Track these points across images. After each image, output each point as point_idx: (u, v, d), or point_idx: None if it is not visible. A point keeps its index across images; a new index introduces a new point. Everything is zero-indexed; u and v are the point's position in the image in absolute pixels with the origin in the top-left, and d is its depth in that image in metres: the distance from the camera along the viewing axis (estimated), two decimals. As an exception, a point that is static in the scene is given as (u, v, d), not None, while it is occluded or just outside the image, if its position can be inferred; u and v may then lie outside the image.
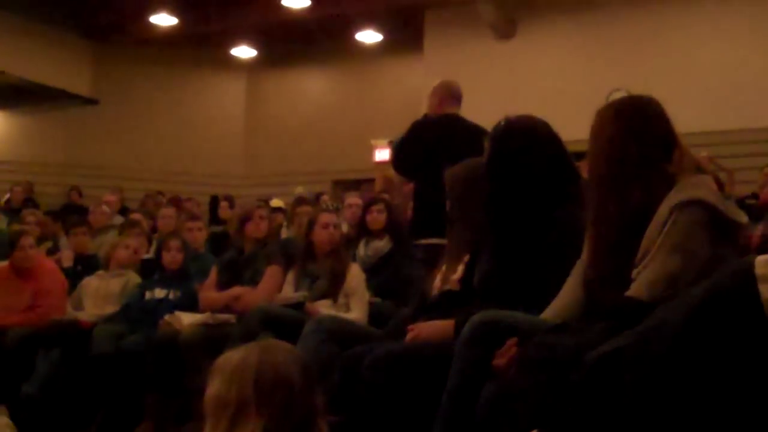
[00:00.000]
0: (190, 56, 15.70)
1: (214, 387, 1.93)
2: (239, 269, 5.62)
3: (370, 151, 12.67)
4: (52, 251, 7.54)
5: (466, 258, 3.57)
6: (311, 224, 5.23)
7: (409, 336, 3.29)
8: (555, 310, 2.78)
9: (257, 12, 13.89)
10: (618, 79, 10.42)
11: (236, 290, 5.46)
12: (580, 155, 3.18)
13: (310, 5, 13.35)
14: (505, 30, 12.89)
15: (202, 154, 15.77)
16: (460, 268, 3.59)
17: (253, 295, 5.32)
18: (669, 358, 1.85)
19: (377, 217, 5.75)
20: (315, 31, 14.17)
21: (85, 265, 6.75)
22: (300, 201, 8.05)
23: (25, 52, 14.06)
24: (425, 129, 5.57)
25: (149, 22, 14.29)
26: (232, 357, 1.96)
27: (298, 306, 4.84)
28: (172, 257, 5.74)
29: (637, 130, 2.58)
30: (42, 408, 5.33)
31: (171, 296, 5.61)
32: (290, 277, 5.22)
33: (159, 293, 5.65)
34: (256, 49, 15.82)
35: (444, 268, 3.73)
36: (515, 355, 2.48)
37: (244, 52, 15.90)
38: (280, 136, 15.86)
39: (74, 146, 15.33)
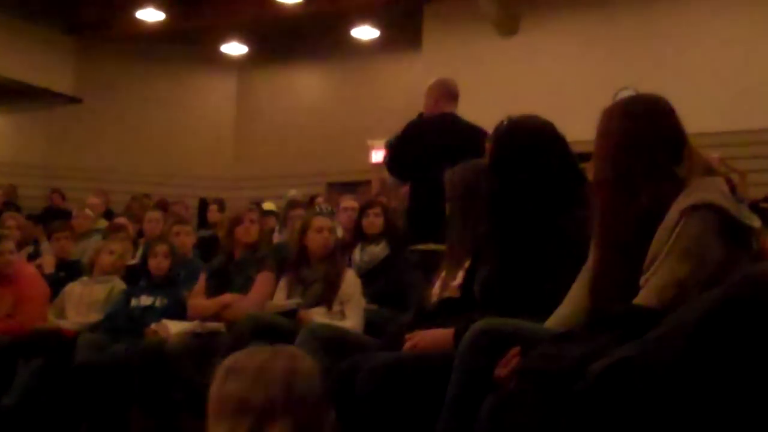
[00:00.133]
0: (177, 53, 15.70)
1: (231, 387, 1.89)
2: (229, 275, 5.62)
3: (367, 151, 12.72)
4: (33, 256, 7.54)
5: (467, 264, 3.57)
6: (305, 228, 5.23)
7: (407, 345, 3.29)
8: (559, 318, 2.78)
9: (248, 6, 13.90)
10: (626, 77, 10.44)
11: (226, 297, 5.45)
12: (585, 156, 3.18)
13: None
14: (508, 25, 12.91)
15: (191, 154, 15.78)
16: (460, 274, 3.59)
17: (243, 303, 5.31)
18: (679, 368, 1.85)
19: (374, 221, 5.75)
20: (309, 26, 14.19)
21: (68, 271, 6.74)
22: (293, 204, 8.03)
23: (4, 49, 14.07)
24: (420, 129, 5.56)
25: (135, 18, 14.31)
26: (252, 357, 1.93)
27: (291, 314, 4.84)
28: (158, 263, 5.74)
29: (646, 131, 2.58)
30: (22, 420, 5.32)
31: (158, 304, 5.61)
32: (282, 283, 5.22)
33: (145, 301, 5.64)
34: (247, 45, 15.83)
35: (443, 274, 3.73)
36: (517, 366, 2.48)
37: (234, 48, 15.91)
38: (272, 137, 15.88)
39: (56, 147, 15.33)
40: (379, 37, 14.78)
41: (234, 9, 14.03)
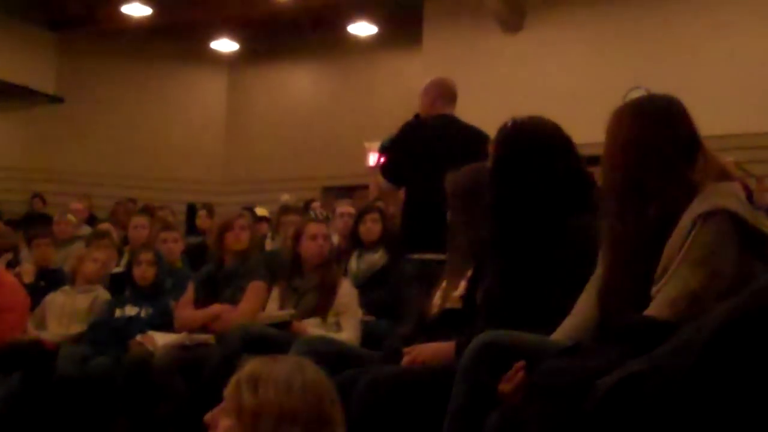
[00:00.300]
0: (165, 50, 15.72)
1: (268, 397, 1.94)
2: (219, 285, 5.61)
3: (364, 154, 12.66)
4: (13, 264, 7.52)
5: (469, 273, 3.58)
6: (298, 235, 5.23)
7: (406, 359, 3.29)
8: (567, 330, 2.78)
9: (240, 1, 13.90)
10: (636, 76, 10.47)
11: (215, 308, 5.45)
12: (594, 160, 3.18)
13: (298, -6, 13.41)
14: (512, 22, 12.92)
15: (179, 157, 15.78)
16: (462, 284, 3.59)
17: (233, 314, 5.31)
18: (693, 384, 1.85)
19: (371, 228, 5.76)
20: (303, 22, 14.21)
21: (49, 279, 6.73)
22: (286, 209, 8.05)
23: (-18, 45, 14.10)
24: (417, 131, 5.55)
25: (120, 12, 14.31)
26: (280, 366, 1.99)
27: (284, 325, 4.84)
28: (143, 271, 5.75)
29: (658, 133, 2.58)
30: (0, 437, 5.32)
31: (143, 314, 5.61)
32: (275, 293, 5.22)
33: (130, 311, 5.65)
34: (238, 42, 15.85)
35: (444, 284, 3.73)
36: (522, 381, 2.48)
37: (224, 45, 15.93)
38: (264, 138, 15.88)
39: (37, 149, 15.33)
40: (377, 34, 14.81)
41: (224, 3, 14.04)
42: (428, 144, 5.37)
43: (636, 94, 3.00)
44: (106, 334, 5.58)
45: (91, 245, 7.00)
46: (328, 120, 15.21)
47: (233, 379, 1.98)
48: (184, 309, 5.59)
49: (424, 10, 13.62)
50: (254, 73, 16.35)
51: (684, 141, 2.59)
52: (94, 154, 15.40)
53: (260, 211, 10.71)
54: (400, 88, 13.78)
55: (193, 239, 9.33)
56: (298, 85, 16.16)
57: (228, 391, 1.98)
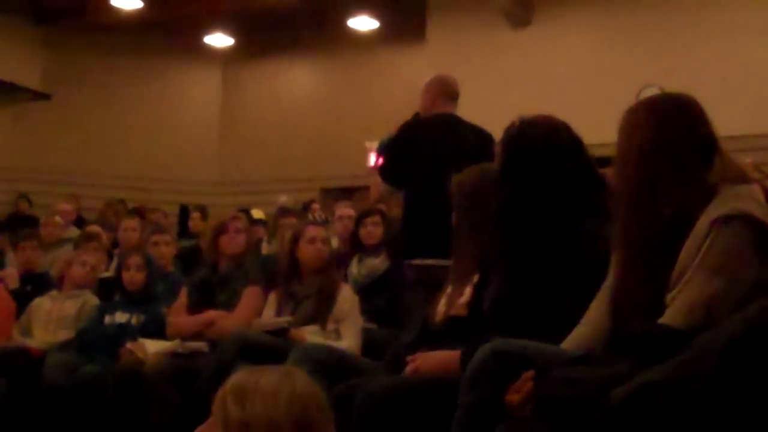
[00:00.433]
0: (157, 45, 15.72)
1: (256, 411, 1.95)
2: (213, 290, 5.61)
3: (364, 154, 12.65)
4: (-3, 268, 7.54)
5: (475, 279, 3.58)
6: (296, 238, 5.23)
7: (408, 368, 3.30)
8: (577, 339, 2.78)
9: (235, -6, 13.93)
10: (650, 73, 10.47)
11: (209, 314, 5.44)
12: (605, 161, 3.19)
13: (296, -13, 13.42)
14: (521, 16, 12.92)
15: (171, 156, 15.77)
16: (468, 291, 3.59)
17: (228, 320, 5.31)
18: (708, 395, 1.86)
19: (372, 231, 5.76)
20: (301, 16, 14.21)
21: (35, 284, 6.74)
22: (283, 212, 8.07)
23: (-35, 39, 14.10)
24: (417, 131, 5.54)
25: (110, 5, 14.30)
26: (265, 378, 2.00)
27: (281, 333, 4.84)
28: (131, 276, 5.74)
29: (673, 133, 2.58)
30: (-16, 448, 5.33)
31: (134, 321, 5.61)
32: (272, 299, 5.22)
33: (120, 317, 5.64)
34: (233, 36, 15.85)
35: (449, 290, 3.73)
36: (531, 391, 2.48)
37: (219, 40, 15.94)
38: (260, 137, 15.88)
39: (23, 147, 15.31)
40: (379, 29, 14.80)
41: (219, -4, 14.06)
42: (428, 144, 5.37)
43: (649, 93, 3.01)
44: (95, 341, 5.57)
45: (79, 248, 7.01)
46: (327, 118, 15.20)
47: (220, 392, 1.99)
48: (177, 315, 5.59)
49: (428, 4, 13.61)
50: (250, 69, 16.34)
51: (700, 142, 2.60)
52: (82, 152, 15.37)
53: (256, 213, 10.73)
54: (402, 85, 13.75)
55: (186, 242, 9.35)
56: (296, 81, 16.15)
57: (215, 404, 1.98)
